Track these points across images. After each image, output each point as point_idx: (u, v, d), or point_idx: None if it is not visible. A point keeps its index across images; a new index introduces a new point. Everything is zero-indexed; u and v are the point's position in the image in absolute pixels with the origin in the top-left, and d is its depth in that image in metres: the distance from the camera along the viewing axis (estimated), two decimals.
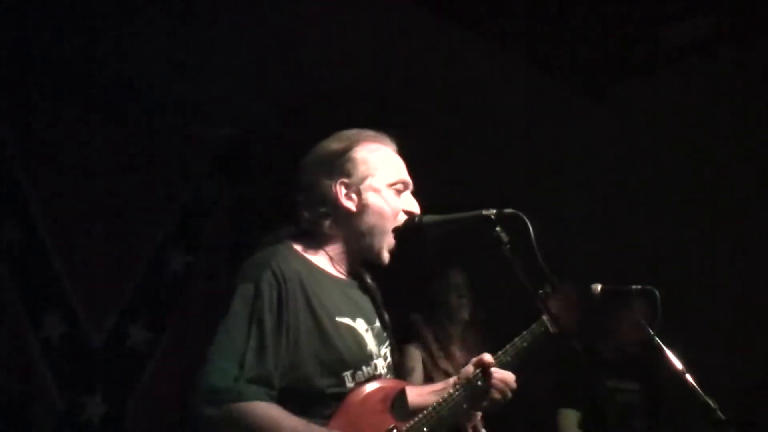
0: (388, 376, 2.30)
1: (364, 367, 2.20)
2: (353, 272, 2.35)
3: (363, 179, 2.28)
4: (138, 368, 4.45)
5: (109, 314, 4.39)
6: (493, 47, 4.38)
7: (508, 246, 2.13)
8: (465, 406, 2.30)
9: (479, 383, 2.32)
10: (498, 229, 2.15)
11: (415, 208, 2.33)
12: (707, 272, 4.41)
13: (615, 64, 4.76)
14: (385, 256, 2.30)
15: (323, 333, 2.14)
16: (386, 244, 2.29)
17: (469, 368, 2.36)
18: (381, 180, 2.30)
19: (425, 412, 2.23)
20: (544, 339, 2.51)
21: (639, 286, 2.76)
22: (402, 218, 2.31)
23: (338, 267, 2.30)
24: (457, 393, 2.30)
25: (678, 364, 2.44)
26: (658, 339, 2.52)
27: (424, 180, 2.41)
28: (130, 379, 4.38)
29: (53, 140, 4.27)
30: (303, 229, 2.31)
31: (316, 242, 2.30)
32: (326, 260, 2.29)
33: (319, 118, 4.65)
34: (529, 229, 2.08)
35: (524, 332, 2.50)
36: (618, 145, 4.84)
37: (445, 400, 2.28)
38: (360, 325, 2.24)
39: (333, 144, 2.33)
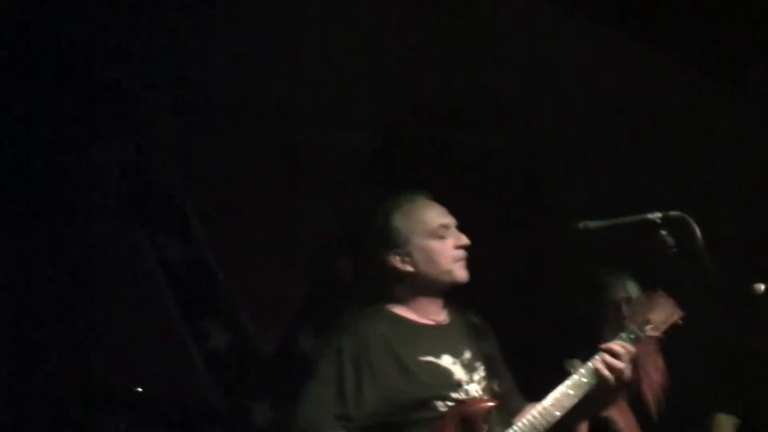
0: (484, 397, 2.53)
1: (452, 394, 2.48)
2: (446, 314, 2.68)
3: (407, 243, 2.61)
4: (307, 374, 4.51)
5: (278, 324, 4.50)
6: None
7: (674, 250, 2.16)
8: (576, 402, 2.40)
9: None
10: (664, 232, 2.18)
11: (463, 240, 2.63)
12: None
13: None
14: (459, 277, 2.62)
15: (407, 372, 2.48)
16: (455, 272, 2.61)
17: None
18: (421, 236, 2.61)
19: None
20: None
21: None
22: (457, 253, 2.62)
23: (424, 315, 2.63)
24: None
25: None
26: None
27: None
28: (298, 386, 4.44)
29: (209, 158, 4.41)
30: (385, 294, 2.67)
31: (403, 301, 2.65)
32: (413, 312, 2.63)
33: (451, 118, 4.87)
34: (696, 232, 2.10)
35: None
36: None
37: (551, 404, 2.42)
38: (445, 360, 2.54)
39: (374, 221, 2.69)
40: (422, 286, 2.62)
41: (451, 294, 2.69)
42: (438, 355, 2.54)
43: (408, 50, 4.20)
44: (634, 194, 4.66)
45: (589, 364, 2.40)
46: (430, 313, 2.64)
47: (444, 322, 2.66)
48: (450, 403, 2.45)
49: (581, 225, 2.36)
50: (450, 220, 2.67)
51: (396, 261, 2.61)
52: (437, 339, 2.60)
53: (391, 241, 2.62)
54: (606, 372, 2.37)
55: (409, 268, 2.60)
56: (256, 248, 4.47)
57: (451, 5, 3.91)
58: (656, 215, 2.19)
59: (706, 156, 4.83)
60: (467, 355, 2.59)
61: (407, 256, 2.60)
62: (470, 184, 4.86)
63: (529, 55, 4.28)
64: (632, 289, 3.98)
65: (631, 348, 2.39)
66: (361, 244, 2.83)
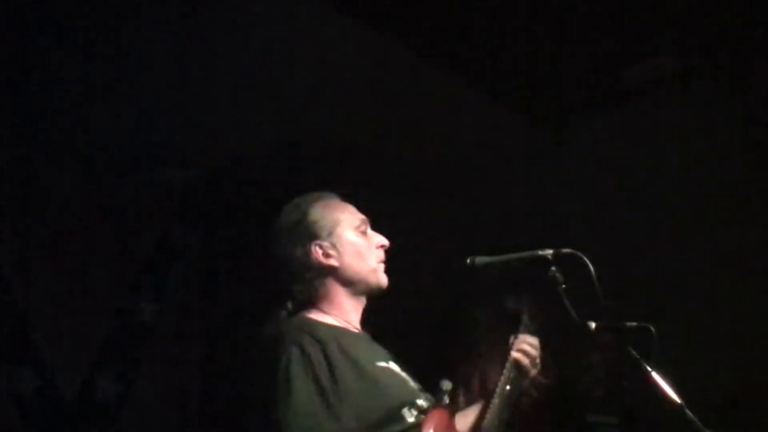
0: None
1: (417, 401, 2.22)
2: (363, 323, 2.42)
3: (331, 234, 2.38)
4: (108, 422, 4.32)
5: (80, 367, 4.28)
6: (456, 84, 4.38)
7: (563, 287, 2.13)
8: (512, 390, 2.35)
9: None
10: (554, 269, 2.15)
11: (383, 239, 2.44)
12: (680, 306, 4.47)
13: (576, 103, 4.82)
14: (382, 280, 2.39)
15: (373, 379, 2.19)
16: (378, 272, 2.40)
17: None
18: (345, 227, 2.40)
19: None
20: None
21: (635, 323, 2.77)
22: (379, 252, 2.41)
23: (348, 323, 2.36)
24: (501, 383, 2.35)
25: (677, 399, 2.44)
26: (654, 374, 2.52)
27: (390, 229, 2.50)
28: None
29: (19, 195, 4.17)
30: (301, 302, 2.36)
31: (320, 308, 2.36)
32: (333, 319, 2.34)
33: (290, 162, 4.75)
34: (590, 268, 2.09)
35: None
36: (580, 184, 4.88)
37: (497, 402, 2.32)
38: (394, 366, 2.31)
39: (287, 217, 2.43)
40: (346, 284, 2.37)
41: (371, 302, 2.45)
42: (386, 361, 2.31)
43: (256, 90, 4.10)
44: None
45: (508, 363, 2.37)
46: (352, 321, 2.38)
47: (363, 333, 2.40)
48: (415, 412, 2.19)
49: (468, 261, 2.28)
50: (367, 220, 2.48)
51: (318, 254, 2.34)
52: (373, 346, 2.37)
53: (310, 232, 2.36)
54: (524, 360, 2.36)
55: (334, 262, 2.35)
56: (63, 286, 4.26)
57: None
58: (547, 252, 2.16)
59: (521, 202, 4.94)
60: (400, 364, 2.38)
61: (331, 248, 2.35)
62: None
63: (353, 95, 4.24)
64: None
65: (534, 340, 2.40)
66: (271, 250, 2.40)
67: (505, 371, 2.35)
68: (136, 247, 4.64)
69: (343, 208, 2.46)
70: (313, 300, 2.36)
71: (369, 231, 2.45)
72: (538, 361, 2.39)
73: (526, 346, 2.37)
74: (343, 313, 2.36)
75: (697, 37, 4.24)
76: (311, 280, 2.35)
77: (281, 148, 4.46)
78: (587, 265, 2.11)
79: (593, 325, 2.64)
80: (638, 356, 2.36)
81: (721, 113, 4.44)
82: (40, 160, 4.22)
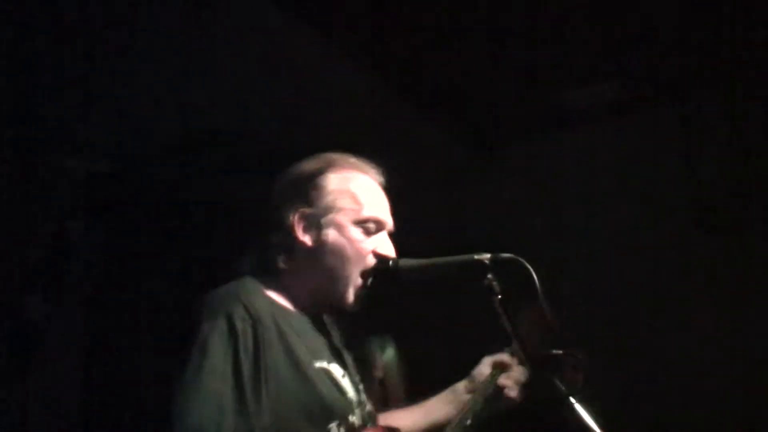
0: (369, 425, 1.98)
1: (350, 417, 1.89)
2: (314, 311, 2.03)
3: (326, 211, 1.98)
4: None
5: None
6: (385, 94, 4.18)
7: (499, 297, 1.85)
8: (484, 408, 2.09)
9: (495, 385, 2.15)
10: (490, 276, 1.87)
11: (388, 250, 2.02)
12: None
13: (510, 126, 4.69)
14: (349, 300, 1.99)
15: (306, 379, 1.84)
16: (351, 288, 1.98)
17: (484, 369, 2.18)
18: (347, 215, 1.99)
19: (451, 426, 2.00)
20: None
21: (561, 351, 2.55)
22: (370, 261, 2.00)
23: (298, 305, 1.98)
24: (477, 397, 2.10)
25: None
26: (578, 405, 2.29)
27: None
28: None
29: None
30: (262, 259, 2.00)
31: (274, 277, 1.98)
32: (285, 298, 1.97)
33: (201, 158, 4.47)
34: (532, 276, 1.79)
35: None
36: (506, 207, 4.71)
37: (467, 410, 2.06)
38: (335, 369, 1.95)
39: (306, 165, 2.03)
40: (310, 275, 1.97)
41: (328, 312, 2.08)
42: (329, 361, 1.93)
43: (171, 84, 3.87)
44: None
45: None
46: (301, 303, 1.98)
47: (309, 317, 2.01)
48: (342, 430, 1.85)
49: (391, 263, 1.98)
50: (387, 220, 2.05)
51: (295, 222, 1.96)
52: (319, 339, 1.98)
53: (308, 197, 1.97)
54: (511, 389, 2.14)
55: (306, 241, 1.96)
56: None
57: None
58: (485, 256, 1.87)
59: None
60: (349, 361, 2.04)
61: (314, 225, 1.96)
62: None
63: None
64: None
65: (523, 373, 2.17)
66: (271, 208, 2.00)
67: (483, 389, 2.12)
68: (30, 241, 4.23)
69: (366, 193, 2.03)
70: (273, 265, 1.98)
71: (378, 236, 2.03)
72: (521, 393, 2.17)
73: (514, 377, 2.15)
74: (300, 294, 1.98)
75: (639, 66, 4.15)
76: (276, 246, 1.98)
77: (190, 141, 4.16)
78: (530, 273, 1.80)
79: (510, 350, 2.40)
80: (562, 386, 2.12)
81: (660, 143, 4.34)
82: None
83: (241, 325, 1.77)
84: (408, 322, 4.18)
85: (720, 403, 3.88)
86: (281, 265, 1.98)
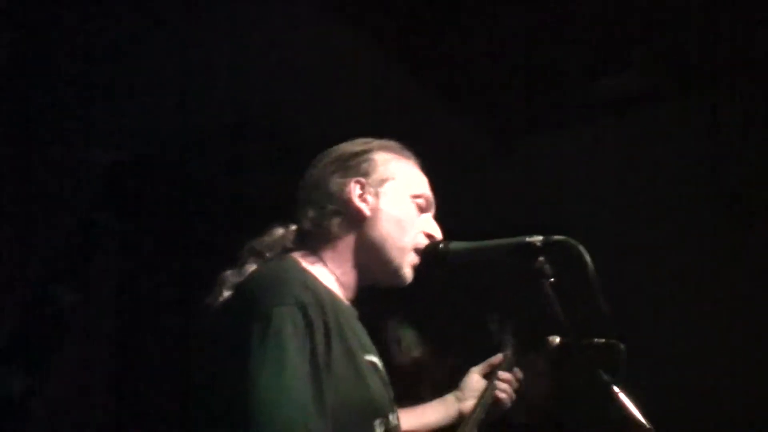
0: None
1: (390, 415, 1.81)
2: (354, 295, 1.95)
3: (383, 181, 1.93)
4: (17, 417, 3.87)
5: None
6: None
7: (551, 281, 1.83)
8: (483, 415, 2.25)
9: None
10: (541, 259, 1.84)
11: (438, 232, 1.99)
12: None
13: (528, 117, 4.67)
14: (406, 274, 1.94)
15: (359, 373, 1.74)
16: (406, 260, 1.93)
17: (473, 380, 2.33)
18: (403, 187, 1.96)
19: None
20: None
21: (603, 339, 2.53)
22: (422, 240, 1.97)
23: (343, 289, 1.89)
24: (479, 407, 2.26)
25: (645, 422, 2.19)
26: (623, 395, 2.27)
27: None
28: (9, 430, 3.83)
29: None
30: (303, 233, 1.92)
31: (317, 255, 1.89)
32: (333, 280, 1.87)
33: (222, 150, 4.46)
34: (586, 260, 1.75)
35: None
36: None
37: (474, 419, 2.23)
38: (379, 362, 1.86)
39: (351, 146, 1.99)
40: (363, 247, 1.88)
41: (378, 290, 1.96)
42: (374, 354, 1.84)
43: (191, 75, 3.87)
44: None
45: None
46: (347, 287, 1.89)
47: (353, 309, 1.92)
48: (383, 429, 1.75)
49: (441, 246, 1.96)
50: (433, 204, 2.03)
51: (354, 191, 1.88)
52: (360, 326, 1.87)
53: (361, 169, 1.91)
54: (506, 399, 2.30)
55: (364, 208, 1.88)
56: None
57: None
58: (536, 238, 1.84)
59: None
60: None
61: (372, 195, 1.89)
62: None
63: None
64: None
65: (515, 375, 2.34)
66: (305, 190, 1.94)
67: (483, 401, 2.28)
68: (56, 232, 4.22)
69: (415, 172, 2.00)
70: (317, 241, 1.89)
71: (427, 215, 2.00)
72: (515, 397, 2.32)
73: (506, 386, 2.31)
74: (346, 275, 1.89)
75: (667, 55, 4.13)
76: (330, 213, 1.88)
77: (218, 132, 4.14)
78: (582, 256, 1.75)
79: (557, 339, 2.40)
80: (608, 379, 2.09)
81: (687, 134, 4.32)
82: None
83: (314, 315, 1.64)
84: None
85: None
86: (335, 233, 1.89)
